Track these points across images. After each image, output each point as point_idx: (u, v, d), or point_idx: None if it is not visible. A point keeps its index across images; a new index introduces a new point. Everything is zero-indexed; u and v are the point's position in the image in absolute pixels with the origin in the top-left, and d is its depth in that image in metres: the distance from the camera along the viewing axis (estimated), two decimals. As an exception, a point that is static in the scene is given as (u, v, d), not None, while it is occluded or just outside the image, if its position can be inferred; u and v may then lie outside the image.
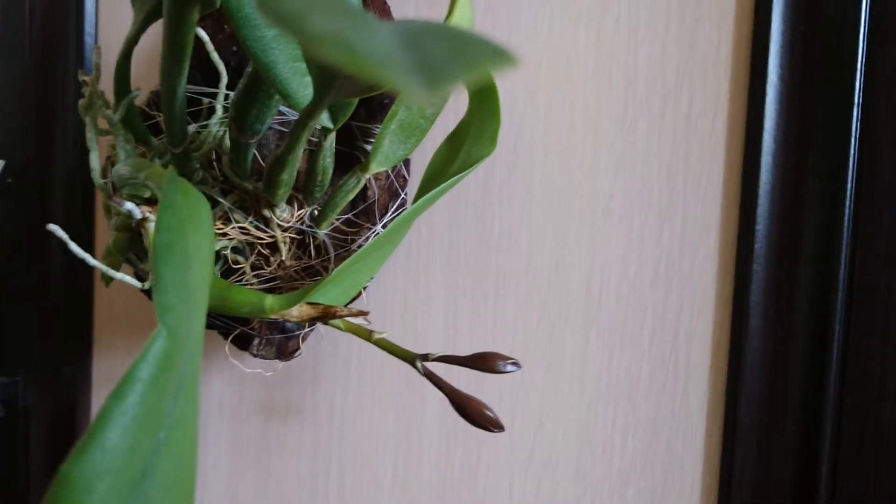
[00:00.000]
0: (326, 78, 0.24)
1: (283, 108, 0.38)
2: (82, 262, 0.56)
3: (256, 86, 0.31)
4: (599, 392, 0.44)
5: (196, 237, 0.23)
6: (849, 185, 0.38)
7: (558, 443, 0.44)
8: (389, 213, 0.43)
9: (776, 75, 0.39)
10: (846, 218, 0.38)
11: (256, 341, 0.41)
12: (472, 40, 0.09)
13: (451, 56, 0.08)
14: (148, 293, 0.42)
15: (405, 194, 0.44)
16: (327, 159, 0.33)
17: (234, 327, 0.42)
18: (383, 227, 0.42)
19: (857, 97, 0.38)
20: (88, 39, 0.56)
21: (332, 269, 0.41)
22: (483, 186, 0.45)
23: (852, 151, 0.38)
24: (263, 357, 0.41)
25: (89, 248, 0.56)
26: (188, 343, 0.20)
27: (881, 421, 0.38)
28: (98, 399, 0.57)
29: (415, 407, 0.47)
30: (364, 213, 0.41)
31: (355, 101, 0.31)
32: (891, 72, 0.37)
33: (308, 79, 0.29)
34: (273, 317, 0.34)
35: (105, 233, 0.54)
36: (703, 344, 0.42)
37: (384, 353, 0.45)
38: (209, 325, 0.42)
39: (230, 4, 0.26)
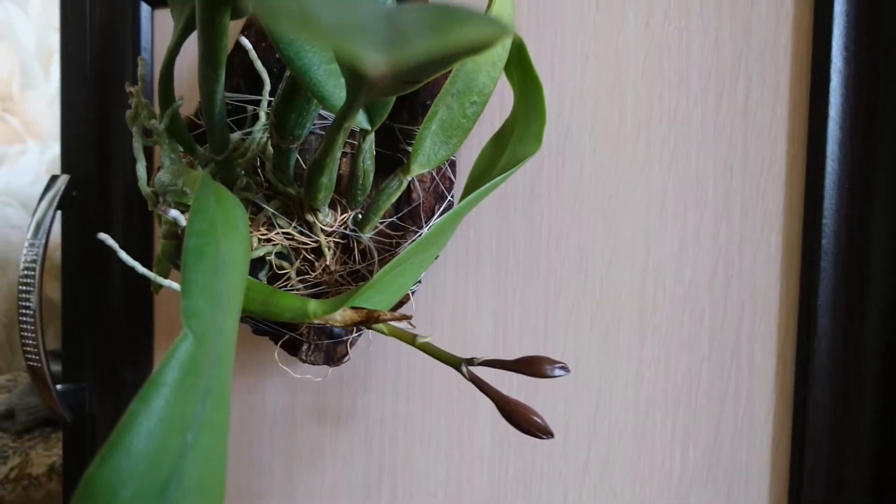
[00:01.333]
0: (356, 77, 0.23)
1: (323, 113, 0.38)
2: (142, 280, 0.58)
3: (294, 90, 0.31)
4: (656, 399, 0.42)
5: (229, 241, 0.23)
6: (925, 175, 0.35)
7: (614, 451, 0.43)
8: (436, 216, 0.42)
9: (840, 59, 0.37)
10: (923, 210, 0.35)
11: (305, 346, 0.41)
12: (459, 13, 0.08)
13: (424, 26, 0.08)
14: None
15: (451, 197, 0.43)
16: (367, 162, 0.33)
17: (283, 333, 0.42)
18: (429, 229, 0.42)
19: (932, 80, 0.35)
20: (145, 55, 0.57)
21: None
22: (531, 187, 0.44)
23: (928, 138, 0.35)
24: (312, 362, 0.41)
25: (147, 257, 0.57)
26: (216, 347, 0.20)
27: (968, 429, 0.35)
28: (159, 405, 0.58)
29: (466, 413, 0.46)
30: (409, 216, 0.41)
31: (391, 101, 0.30)
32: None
33: (343, 80, 0.29)
34: (317, 322, 0.34)
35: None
36: (768, 348, 0.40)
37: (434, 359, 0.45)
38: (259, 332, 0.43)
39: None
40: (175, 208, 0.32)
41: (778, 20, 0.39)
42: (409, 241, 0.41)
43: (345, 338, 0.41)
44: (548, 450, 0.44)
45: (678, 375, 0.41)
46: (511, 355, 0.45)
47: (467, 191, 0.41)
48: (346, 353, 0.42)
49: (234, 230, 0.24)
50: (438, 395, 0.47)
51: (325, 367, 0.44)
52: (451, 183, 0.44)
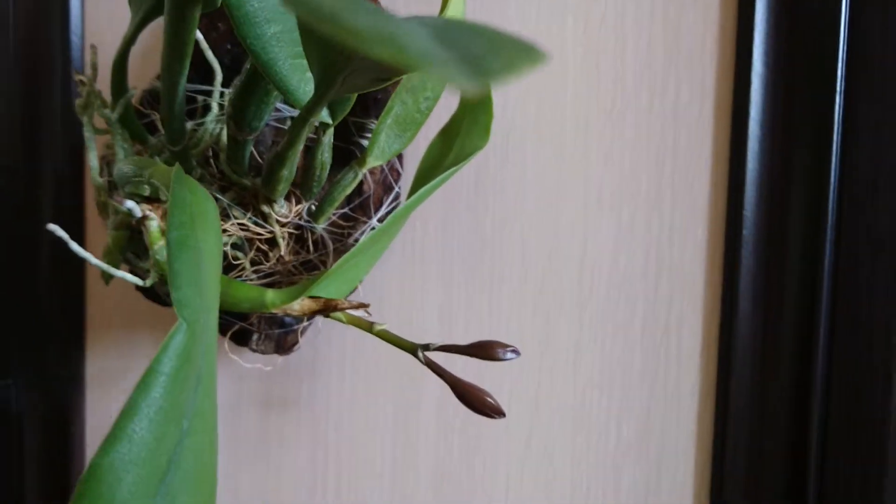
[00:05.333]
0: (330, 74, 0.24)
1: (279, 105, 0.38)
2: (73, 262, 0.56)
3: (254, 83, 0.31)
4: (593, 380, 0.45)
5: (205, 233, 0.24)
6: (832, 171, 0.39)
7: (554, 431, 0.45)
8: (384, 207, 0.43)
9: (761, 63, 0.40)
10: (830, 203, 0.39)
11: (255, 336, 0.41)
12: (502, 37, 0.10)
13: (489, 52, 0.09)
14: (146, 291, 0.43)
15: (399, 188, 0.45)
16: (325, 154, 0.34)
17: (233, 323, 0.42)
18: (379, 220, 0.43)
19: (839, 84, 0.39)
20: (75, 39, 0.56)
21: (330, 264, 0.42)
22: (476, 179, 0.46)
23: (835, 137, 0.39)
24: (262, 352, 0.42)
25: (80, 245, 0.56)
26: (205, 337, 0.20)
27: (869, 401, 0.39)
28: (92, 400, 0.57)
29: (411, 398, 0.48)
30: (360, 207, 0.42)
31: (354, 96, 0.31)
32: (871, 57, 0.38)
33: (308, 75, 0.29)
34: (274, 311, 0.34)
35: (95, 232, 0.54)
36: (694, 330, 0.43)
37: (379, 346, 0.46)
38: (207, 322, 0.43)
39: (230, 2, 0.26)
40: (129, 199, 0.32)
41: (705, 27, 0.42)
42: (360, 231, 0.42)
43: (295, 327, 0.42)
44: (491, 430, 0.46)
45: (613, 357, 0.44)
46: (457, 341, 0.46)
47: (417, 183, 0.42)
48: (297, 342, 0.43)
49: (208, 222, 0.25)
50: (384, 381, 0.48)
51: (275, 356, 0.44)
52: (399, 175, 0.45)
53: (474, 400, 0.34)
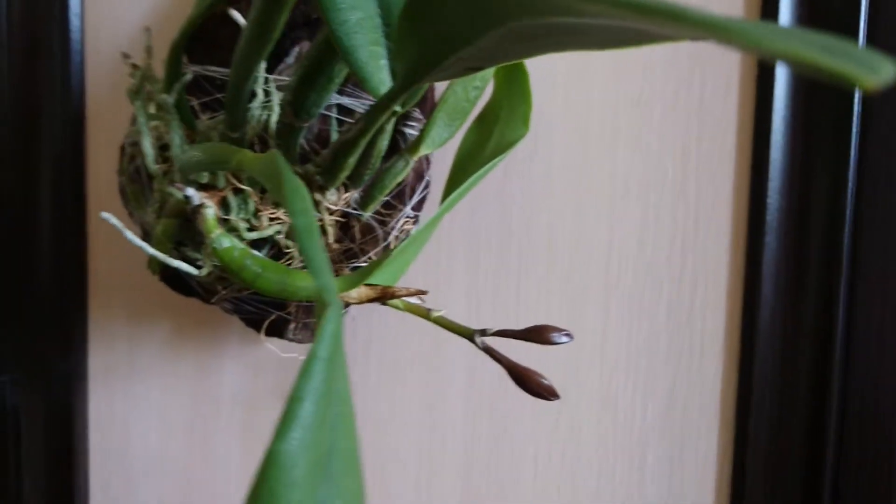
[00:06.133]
0: (429, 63, 0.25)
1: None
2: (73, 255, 0.54)
3: (317, 70, 0.31)
4: (619, 363, 0.46)
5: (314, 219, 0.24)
6: (851, 161, 0.41)
7: (582, 413, 0.46)
8: (417, 195, 0.43)
9: (787, 59, 0.42)
10: (849, 190, 0.41)
11: (293, 325, 0.41)
12: (852, 46, 0.10)
13: (870, 57, 0.09)
14: (170, 280, 0.41)
15: (429, 176, 0.45)
16: (384, 142, 0.34)
17: (269, 312, 0.41)
18: (412, 208, 0.43)
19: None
20: (74, 20, 0.54)
21: (371, 252, 0.42)
22: (504, 167, 0.46)
23: (854, 129, 0.41)
24: (300, 341, 0.42)
25: (81, 240, 0.54)
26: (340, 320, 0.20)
27: (887, 383, 0.42)
28: (96, 396, 0.55)
29: (438, 384, 0.48)
30: (398, 195, 0.42)
31: (427, 86, 0.31)
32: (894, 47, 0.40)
33: (383, 62, 0.29)
34: (331, 300, 0.34)
35: (95, 224, 0.53)
36: (717, 314, 0.45)
37: (404, 333, 0.47)
38: (240, 312, 0.42)
39: (321, -12, 0.26)
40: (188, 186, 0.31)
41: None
42: (395, 219, 0.42)
43: (332, 315, 0.42)
44: (519, 414, 0.47)
45: (639, 341, 0.45)
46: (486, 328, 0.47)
47: (456, 171, 0.42)
48: (333, 331, 0.42)
49: (310, 208, 0.25)
50: (410, 367, 0.48)
51: (310, 344, 0.44)
52: (429, 163, 0.45)
53: (532, 383, 0.35)
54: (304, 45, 0.37)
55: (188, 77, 0.32)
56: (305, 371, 0.18)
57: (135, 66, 0.33)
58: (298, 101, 0.32)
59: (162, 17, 0.50)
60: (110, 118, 0.51)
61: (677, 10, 0.12)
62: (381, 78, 0.29)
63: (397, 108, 0.32)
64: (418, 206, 0.44)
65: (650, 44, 0.19)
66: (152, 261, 0.34)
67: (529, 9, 0.17)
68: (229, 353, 0.52)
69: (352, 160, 0.32)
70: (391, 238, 0.42)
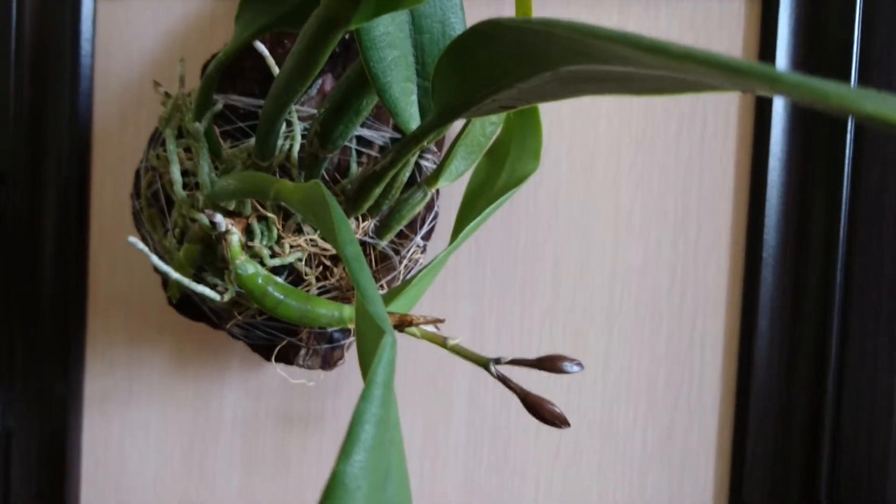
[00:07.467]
0: (464, 103, 0.26)
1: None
2: (74, 278, 0.54)
3: (347, 104, 0.32)
4: (620, 392, 0.47)
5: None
6: (844, 199, 0.43)
7: (583, 440, 0.47)
8: (427, 225, 0.44)
9: (781, 102, 0.44)
10: (842, 229, 0.43)
11: (303, 352, 0.42)
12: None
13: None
14: (181, 306, 0.42)
15: (438, 207, 0.46)
16: (406, 174, 0.35)
17: (280, 338, 0.42)
18: (422, 238, 0.44)
19: (851, 121, 0.43)
20: (85, 45, 0.54)
21: (383, 280, 0.42)
22: (511, 200, 0.47)
23: (847, 169, 0.43)
24: (309, 367, 0.42)
25: (83, 259, 0.54)
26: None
27: (880, 413, 0.43)
28: (91, 420, 0.55)
29: (441, 411, 0.49)
30: (410, 225, 0.43)
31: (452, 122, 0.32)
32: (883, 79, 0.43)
33: (413, 98, 0.31)
34: (350, 326, 0.35)
35: (99, 242, 0.53)
36: (716, 346, 0.46)
37: (405, 361, 0.47)
38: (250, 337, 0.43)
39: (361, 27, 0.27)
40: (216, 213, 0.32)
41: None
42: (407, 248, 0.43)
43: (342, 342, 0.42)
44: (521, 441, 0.48)
45: (640, 370, 0.47)
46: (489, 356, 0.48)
47: (466, 203, 0.43)
48: (342, 357, 0.43)
49: (356, 238, 0.25)
50: (412, 394, 0.49)
51: (319, 371, 0.44)
52: (439, 194, 0.46)
53: (544, 411, 0.35)
54: (327, 78, 0.38)
55: (219, 106, 0.33)
56: (366, 396, 0.19)
57: (167, 95, 0.34)
58: (326, 132, 0.33)
59: (171, 44, 0.51)
60: (116, 143, 0.52)
61: (761, 70, 0.13)
62: (412, 113, 0.30)
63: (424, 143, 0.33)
64: (427, 236, 0.45)
65: (691, 93, 0.20)
66: (172, 285, 0.34)
67: (585, 56, 0.19)
68: (230, 378, 0.52)
69: (377, 190, 0.33)
70: (401, 267, 0.43)
